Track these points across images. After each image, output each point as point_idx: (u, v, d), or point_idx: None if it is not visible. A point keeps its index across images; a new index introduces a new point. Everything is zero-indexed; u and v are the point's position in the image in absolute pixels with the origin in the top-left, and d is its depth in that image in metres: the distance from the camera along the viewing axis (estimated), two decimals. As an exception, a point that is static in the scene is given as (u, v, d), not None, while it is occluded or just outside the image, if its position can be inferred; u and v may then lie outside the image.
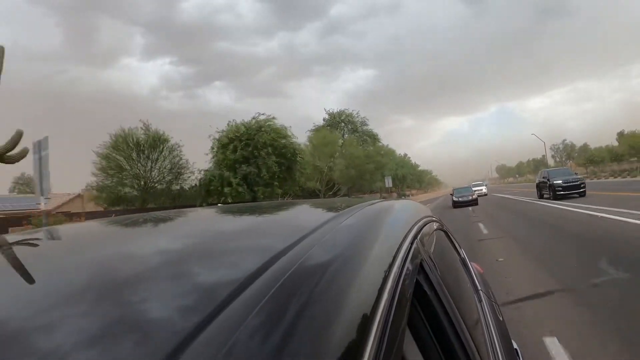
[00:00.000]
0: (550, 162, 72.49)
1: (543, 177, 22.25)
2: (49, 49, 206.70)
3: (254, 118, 24.59)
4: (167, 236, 0.82)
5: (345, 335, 0.39)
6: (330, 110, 51.46)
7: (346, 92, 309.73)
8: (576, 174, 21.64)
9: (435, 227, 1.28)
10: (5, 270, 0.62)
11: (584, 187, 19.50)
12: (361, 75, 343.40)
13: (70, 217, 20.12)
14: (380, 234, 0.72)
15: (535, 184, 24.80)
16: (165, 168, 25.13)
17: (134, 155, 24.11)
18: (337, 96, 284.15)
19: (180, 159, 25.33)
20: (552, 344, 3.14)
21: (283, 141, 24.33)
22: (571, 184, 19.43)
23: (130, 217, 1.10)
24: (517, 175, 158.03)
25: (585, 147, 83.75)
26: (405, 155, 71.41)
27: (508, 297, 4.39)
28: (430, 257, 0.88)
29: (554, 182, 19.83)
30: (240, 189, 22.01)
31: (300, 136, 32.93)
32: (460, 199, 24.41)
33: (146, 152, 24.45)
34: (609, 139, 67.88)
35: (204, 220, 1.00)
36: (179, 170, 25.43)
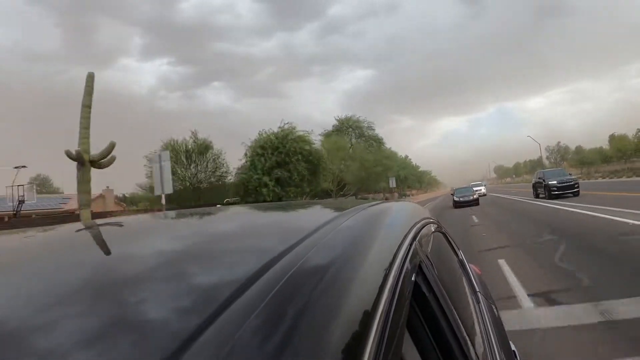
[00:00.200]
0: (546, 163, 75.25)
1: (539, 178, 22.89)
2: (48, 49, 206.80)
3: (280, 127, 28.36)
4: (168, 236, 0.83)
5: (346, 336, 0.39)
6: (339, 117, 54.66)
7: (345, 92, 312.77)
8: (570, 174, 22.25)
9: (433, 228, 1.30)
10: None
11: (578, 187, 20.12)
12: (360, 76, 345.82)
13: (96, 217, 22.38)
14: (379, 235, 0.73)
15: (531, 184, 25.42)
16: (209, 171, 30.78)
17: (183, 158, 29.41)
18: (336, 96, 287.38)
19: (222, 165, 30.98)
20: (502, 263, 6.66)
21: (307, 148, 28.15)
22: (565, 184, 20.02)
23: (136, 217, 1.14)
24: (514, 176, 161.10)
25: (579, 149, 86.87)
26: (407, 157, 75.56)
27: (486, 248, 8.19)
28: (428, 259, 0.90)
29: (549, 182, 20.42)
30: (276, 190, 26.35)
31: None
32: (461, 199, 24.38)
33: (194, 157, 29.90)
34: (603, 141, 69.37)
35: (205, 222, 1.01)
36: (221, 175, 31.14)
